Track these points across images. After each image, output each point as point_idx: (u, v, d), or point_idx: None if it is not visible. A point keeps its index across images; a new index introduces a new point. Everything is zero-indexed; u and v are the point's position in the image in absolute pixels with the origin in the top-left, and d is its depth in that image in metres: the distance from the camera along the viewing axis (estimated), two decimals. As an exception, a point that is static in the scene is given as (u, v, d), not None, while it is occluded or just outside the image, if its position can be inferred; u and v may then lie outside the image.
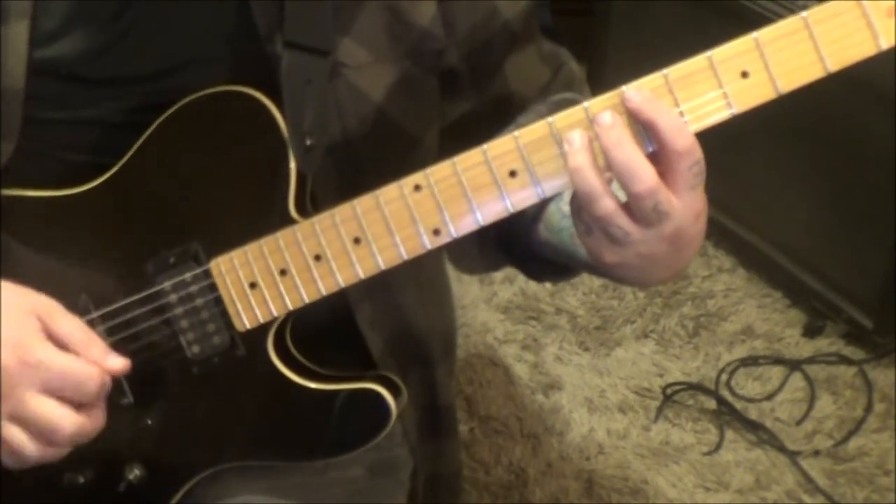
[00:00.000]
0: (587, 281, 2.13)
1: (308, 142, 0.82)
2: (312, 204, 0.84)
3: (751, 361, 1.96)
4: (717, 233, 2.17)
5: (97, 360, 0.80)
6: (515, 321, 2.08)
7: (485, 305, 2.11)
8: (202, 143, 0.84)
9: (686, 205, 0.70)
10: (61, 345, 0.80)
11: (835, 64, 0.64)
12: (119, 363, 0.82)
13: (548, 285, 2.13)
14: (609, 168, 0.69)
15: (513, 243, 0.90)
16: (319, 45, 0.83)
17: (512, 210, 0.73)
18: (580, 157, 0.69)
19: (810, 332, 2.01)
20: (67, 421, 0.79)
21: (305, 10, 0.83)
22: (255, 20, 0.83)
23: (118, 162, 0.85)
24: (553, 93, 0.97)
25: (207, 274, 0.83)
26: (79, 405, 0.80)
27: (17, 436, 0.80)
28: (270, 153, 0.82)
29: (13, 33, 0.83)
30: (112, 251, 0.86)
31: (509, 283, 2.15)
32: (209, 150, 0.84)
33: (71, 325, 0.81)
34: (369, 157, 0.87)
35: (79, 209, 0.87)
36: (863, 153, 1.82)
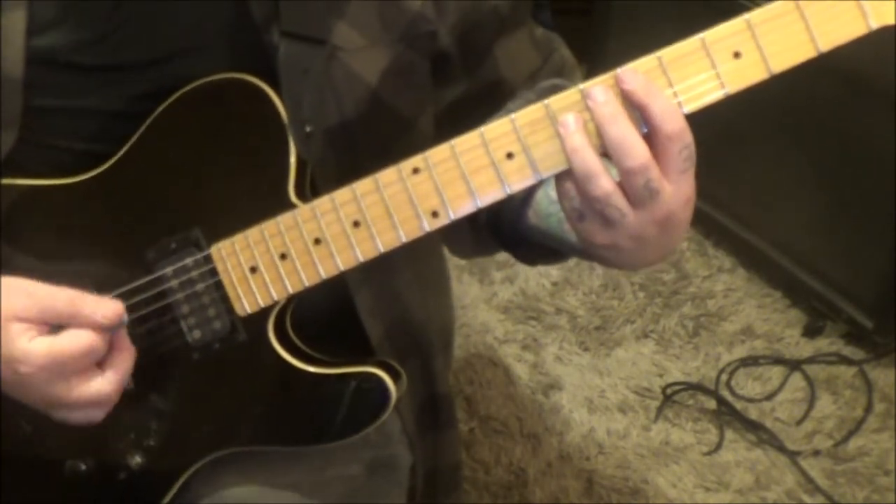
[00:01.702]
0: (587, 281, 2.14)
1: (308, 129, 0.84)
2: (312, 189, 0.85)
3: (751, 361, 1.97)
4: (717, 233, 2.18)
5: (90, 318, 0.80)
6: (515, 321, 2.08)
7: (485, 305, 2.12)
8: (203, 130, 0.85)
9: (676, 188, 0.71)
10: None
11: (826, 44, 0.65)
12: (111, 310, 0.81)
13: (547, 285, 2.13)
14: (602, 145, 0.70)
15: (503, 228, 0.91)
16: (315, 34, 0.85)
17: (510, 192, 0.74)
18: (577, 138, 0.70)
19: (810, 332, 2.01)
20: (101, 386, 0.81)
21: (301, 0, 0.84)
22: (251, 10, 0.84)
23: (119, 150, 0.86)
24: (543, 79, 0.98)
25: (208, 259, 0.84)
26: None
27: (74, 415, 0.82)
28: (271, 140, 0.82)
29: (10, 22, 0.83)
30: (114, 238, 0.87)
31: (509, 283, 2.16)
32: (210, 137, 0.85)
33: (51, 304, 0.80)
34: (365, 140, 0.88)
35: (81, 197, 0.87)
36: (863, 153, 1.82)
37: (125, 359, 0.83)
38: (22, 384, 0.80)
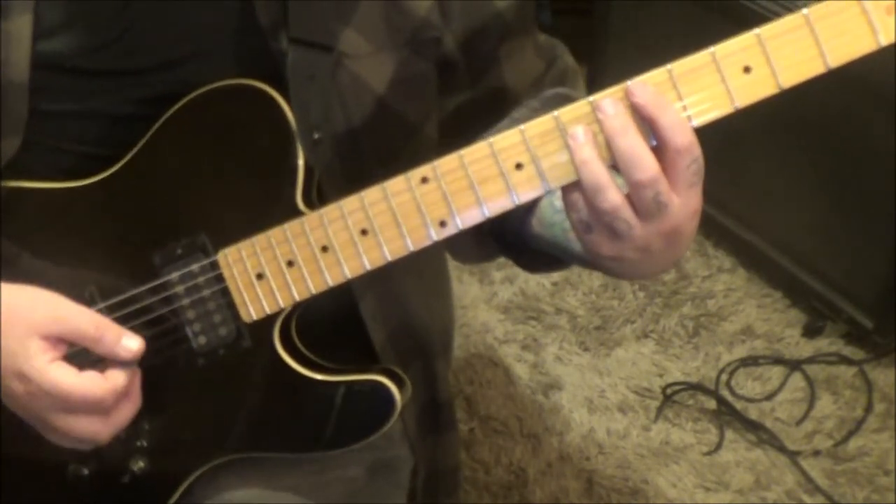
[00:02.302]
0: (587, 281, 2.14)
1: (316, 136, 0.84)
2: (318, 196, 0.85)
3: (751, 361, 1.97)
4: (717, 233, 2.18)
5: (111, 348, 0.81)
6: (515, 321, 2.08)
7: (485, 305, 2.12)
8: (211, 135, 0.85)
9: (684, 202, 0.71)
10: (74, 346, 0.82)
11: (835, 60, 0.66)
12: (133, 346, 0.82)
13: (547, 285, 2.14)
14: (612, 157, 0.70)
15: (506, 236, 0.91)
16: (323, 40, 0.85)
17: (518, 202, 0.74)
18: (587, 151, 0.70)
19: (810, 332, 2.02)
20: (98, 428, 0.82)
21: (308, 6, 0.84)
22: (258, 16, 0.84)
23: (124, 154, 0.86)
24: (547, 86, 0.98)
25: (214, 265, 0.84)
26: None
27: (64, 441, 0.84)
28: (278, 146, 0.82)
29: (15, 27, 0.83)
30: (120, 243, 0.87)
31: (509, 283, 2.16)
32: (218, 142, 0.85)
33: (77, 325, 0.81)
34: (372, 147, 0.88)
35: (87, 201, 0.87)
36: (863, 153, 1.83)
37: (128, 409, 0.84)
38: (24, 398, 0.81)
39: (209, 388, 0.89)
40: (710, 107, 0.69)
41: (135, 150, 0.86)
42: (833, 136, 1.86)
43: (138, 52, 0.86)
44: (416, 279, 0.99)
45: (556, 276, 2.15)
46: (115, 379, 0.82)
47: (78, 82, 0.86)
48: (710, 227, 2.17)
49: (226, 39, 0.86)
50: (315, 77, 0.84)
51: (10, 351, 0.79)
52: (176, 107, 0.84)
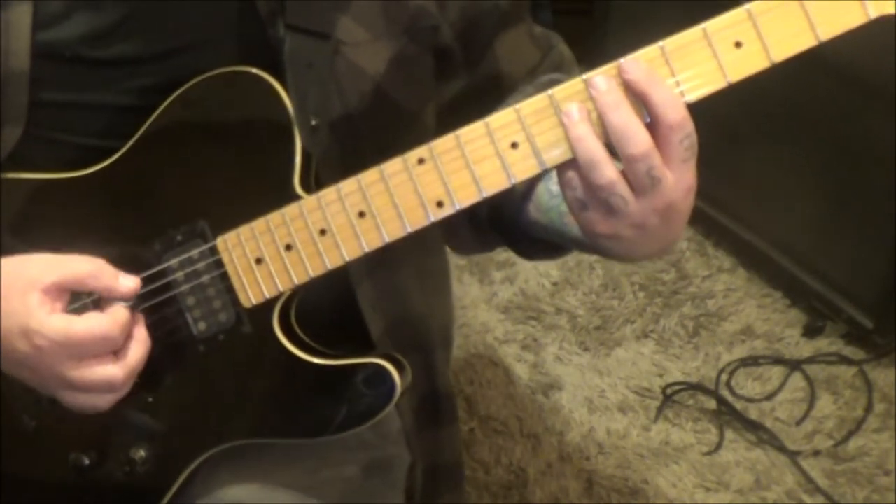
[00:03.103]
0: (587, 281, 2.14)
1: (313, 122, 0.84)
2: (316, 182, 0.85)
3: (751, 361, 1.97)
4: (717, 233, 2.18)
5: (110, 285, 0.82)
6: (515, 321, 2.08)
7: (485, 305, 2.12)
8: (209, 123, 0.85)
9: (678, 177, 0.71)
10: (77, 292, 0.82)
11: (826, 33, 0.66)
12: (130, 283, 0.83)
13: (547, 285, 2.14)
14: (605, 132, 0.70)
15: (504, 223, 0.92)
16: (320, 28, 0.86)
17: (514, 181, 0.74)
18: (581, 127, 0.71)
19: (810, 332, 2.02)
20: (112, 372, 0.81)
21: None
22: (256, 4, 0.85)
23: (125, 145, 0.87)
24: (542, 74, 0.99)
25: (214, 251, 0.85)
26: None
27: (81, 399, 0.83)
28: (276, 132, 0.83)
29: (15, 16, 0.84)
30: (119, 231, 0.88)
31: (509, 283, 2.16)
32: (216, 129, 0.85)
33: (74, 268, 0.81)
34: (370, 133, 0.89)
35: (87, 190, 0.88)
36: (863, 153, 1.83)
37: (139, 350, 0.83)
38: (33, 358, 0.80)
39: (210, 374, 0.89)
40: (703, 82, 0.69)
41: (134, 138, 0.86)
42: (833, 136, 1.86)
43: (138, 42, 0.86)
44: (415, 274, 0.99)
45: (556, 275, 2.15)
46: (117, 313, 0.81)
47: (78, 72, 0.87)
48: (710, 227, 2.17)
49: (225, 28, 0.87)
50: (313, 65, 0.85)
51: (11, 310, 0.79)
52: (174, 94, 0.85)
